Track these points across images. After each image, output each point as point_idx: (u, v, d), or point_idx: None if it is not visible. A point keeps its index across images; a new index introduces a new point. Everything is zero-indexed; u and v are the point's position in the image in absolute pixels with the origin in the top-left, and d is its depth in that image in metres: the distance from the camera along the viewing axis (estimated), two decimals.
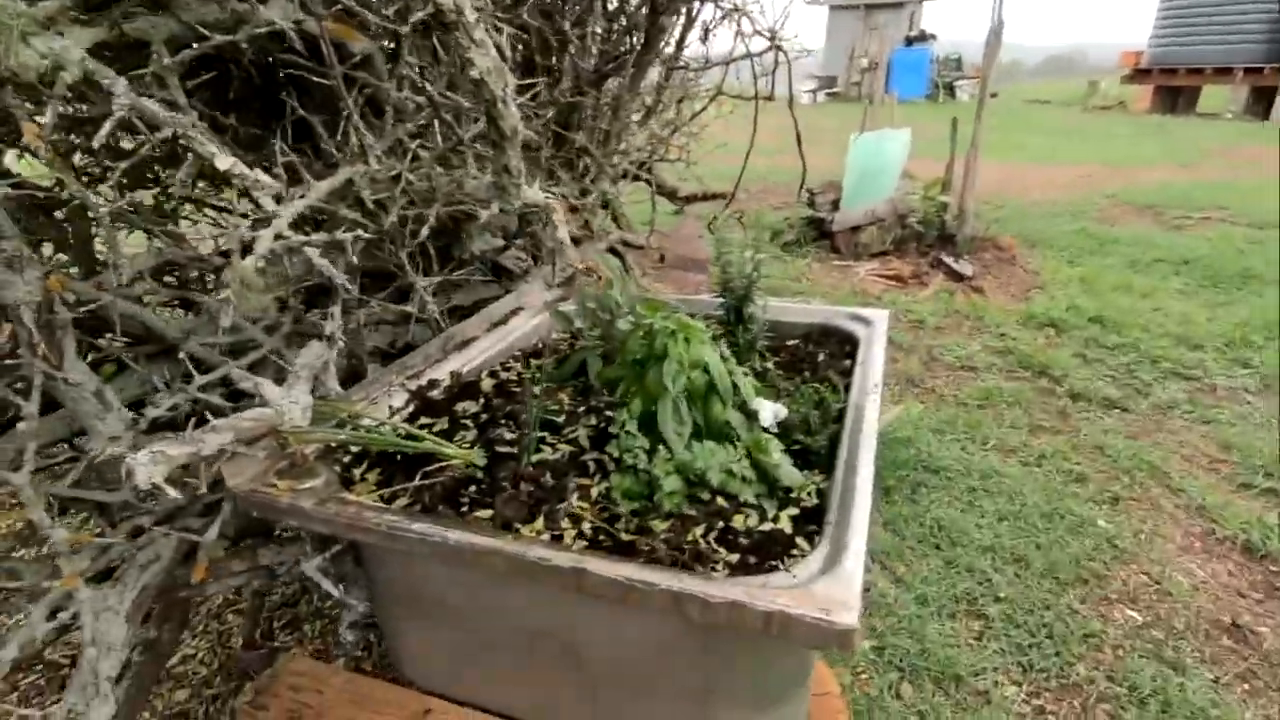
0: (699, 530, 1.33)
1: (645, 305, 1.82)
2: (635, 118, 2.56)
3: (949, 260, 5.48)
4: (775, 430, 1.51)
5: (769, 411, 1.44)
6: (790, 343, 2.16)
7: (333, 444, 1.48)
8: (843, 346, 2.08)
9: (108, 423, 1.22)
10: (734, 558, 1.27)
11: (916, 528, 2.91)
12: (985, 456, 3.37)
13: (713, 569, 1.24)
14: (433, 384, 1.86)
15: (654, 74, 2.87)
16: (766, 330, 1.97)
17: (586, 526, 1.32)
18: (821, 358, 2.02)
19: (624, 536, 1.30)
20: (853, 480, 1.36)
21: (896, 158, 5.98)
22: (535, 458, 1.55)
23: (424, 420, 1.75)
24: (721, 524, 1.35)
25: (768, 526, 1.35)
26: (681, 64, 2.73)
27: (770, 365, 1.97)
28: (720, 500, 1.37)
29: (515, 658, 1.46)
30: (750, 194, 8.60)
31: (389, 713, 1.57)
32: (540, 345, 2.24)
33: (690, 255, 4.12)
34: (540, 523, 1.35)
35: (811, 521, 1.36)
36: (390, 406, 1.74)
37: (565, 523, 1.33)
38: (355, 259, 1.43)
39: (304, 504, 1.35)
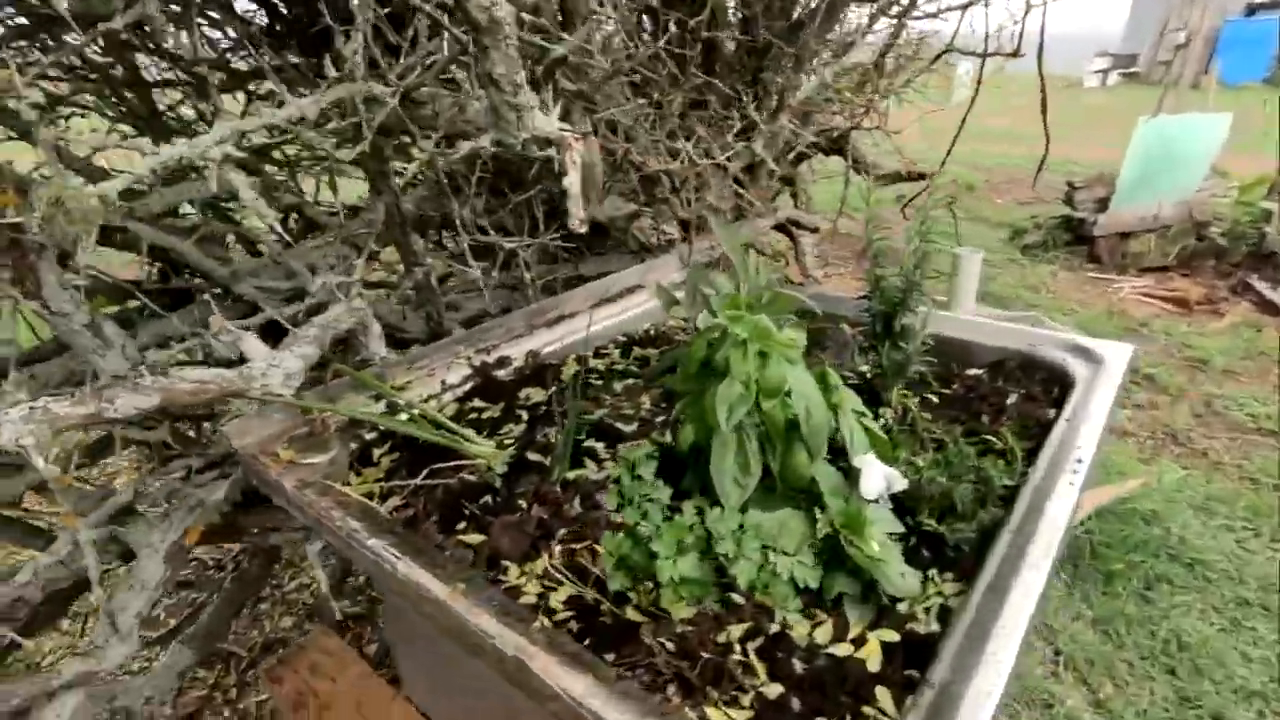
0: (736, 631, 0.91)
1: (753, 300, 1.40)
2: (823, 72, 2.07)
3: (1261, 286, 4.13)
4: (888, 504, 1.02)
5: (876, 476, 0.97)
6: (971, 372, 1.58)
7: (344, 417, 1.28)
8: (1048, 389, 1.46)
9: (108, 359, 1.12)
10: (773, 690, 0.84)
11: (1144, 636, 2.15)
12: (1273, 558, 2.42)
13: (734, 700, 0.83)
14: (502, 362, 1.61)
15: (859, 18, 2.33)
16: (932, 351, 1.43)
17: (589, 585, 0.97)
18: (1011, 400, 1.43)
19: (627, 612, 0.93)
20: (999, 607, 0.85)
21: (1203, 149, 4.61)
22: (570, 473, 1.22)
23: (477, 403, 1.50)
24: (774, 626, 0.92)
25: (843, 649, 0.90)
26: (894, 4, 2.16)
27: (923, 401, 1.44)
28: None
29: (480, 707, 1.16)
30: (991, 184, 7.37)
31: None
32: (652, 331, 1.89)
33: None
34: (542, 562, 1.03)
35: (915, 658, 0.87)
36: (444, 381, 1.52)
37: (558, 568, 0.99)
38: (410, 205, 1.20)
39: (287, 483, 1.16)
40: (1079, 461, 1.10)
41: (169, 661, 1.91)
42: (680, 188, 1.87)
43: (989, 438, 1.25)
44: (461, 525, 1.13)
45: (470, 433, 1.25)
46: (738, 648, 0.91)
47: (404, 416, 1.29)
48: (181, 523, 1.48)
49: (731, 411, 0.94)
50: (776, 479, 1.01)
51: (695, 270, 1.52)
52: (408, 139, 1.38)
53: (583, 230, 0.92)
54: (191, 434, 1.48)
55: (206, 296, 1.30)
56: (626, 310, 1.91)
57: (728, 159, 1.85)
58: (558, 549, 1.02)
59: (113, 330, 1.12)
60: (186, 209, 1.46)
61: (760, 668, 0.88)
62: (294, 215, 1.64)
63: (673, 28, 1.64)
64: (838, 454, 1.05)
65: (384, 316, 1.80)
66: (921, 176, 2.90)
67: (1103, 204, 4.96)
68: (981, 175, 7.61)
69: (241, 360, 1.08)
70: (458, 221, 1.47)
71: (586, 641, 0.91)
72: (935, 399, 1.47)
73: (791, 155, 2.32)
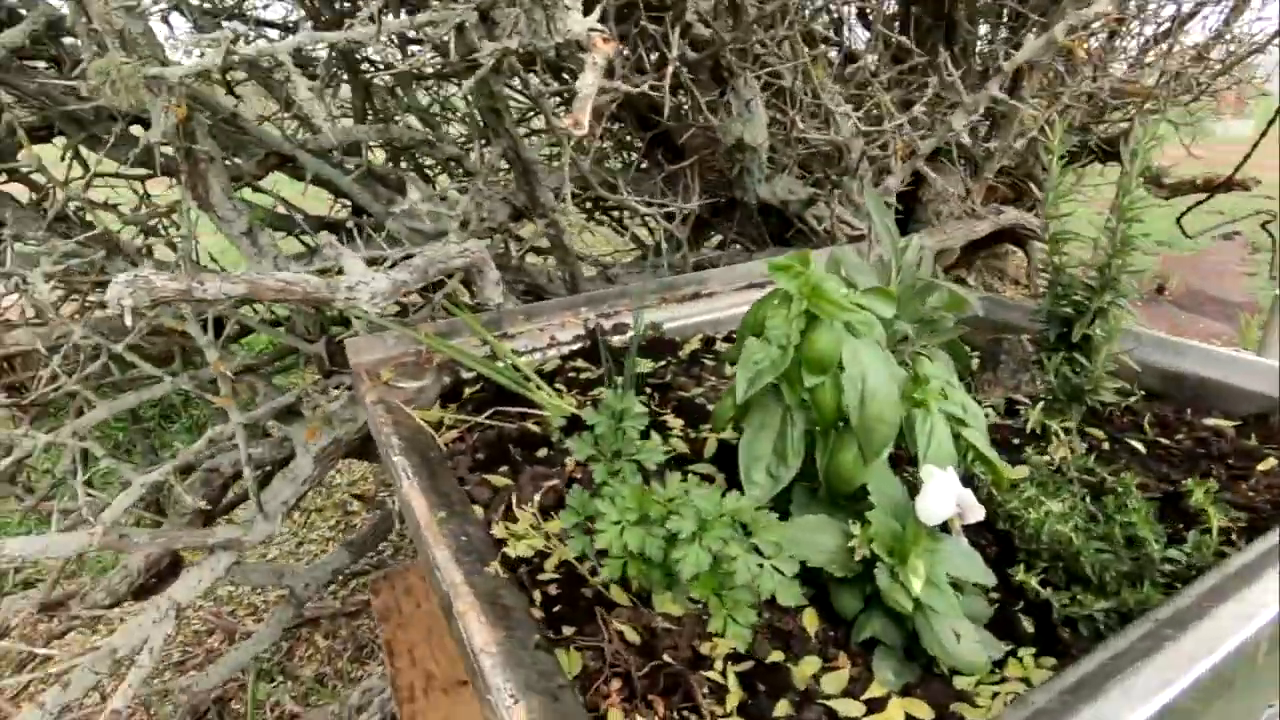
0: (724, 645, 0.74)
1: (905, 292, 1.18)
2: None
3: None
4: (961, 542, 0.75)
5: (941, 494, 0.71)
6: (1214, 422, 1.15)
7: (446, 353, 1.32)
8: None
9: (262, 267, 1.28)
10: None
11: None
12: None
13: None
14: (619, 329, 1.55)
15: None
16: (1162, 387, 1.06)
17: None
18: (1269, 465, 1.01)
19: (613, 592, 0.80)
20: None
21: None
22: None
23: (580, 364, 1.46)
24: (776, 654, 0.73)
25: (850, 708, 0.68)
26: None
27: (1117, 447, 1.07)
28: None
29: None
30: None
31: (441, 660, 1.41)
32: None
33: (1212, 291, 2.78)
34: (558, 523, 0.95)
35: None
36: (554, 338, 1.51)
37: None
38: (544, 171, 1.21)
39: (369, 398, 1.23)
40: None
41: (328, 559, 2.18)
42: (855, 168, 1.65)
43: (1198, 504, 0.88)
44: (503, 468, 1.09)
45: (543, 384, 1.21)
46: (718, 664, 0.74)
47: (482, 357, 1.29)
48: (332, 432, 1.66)
49: (754, 379, 0.76)
50: (822, 479, 0.81)
51: (837, 253, 1.32)
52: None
53: (578, 133, 0.82)
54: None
55: (351, 225, 1.44)
56: None
57: (917, 136, 1.58)
58: None
59: (266, 240, 1.28)
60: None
61: (734, 696, 0.71)
62: (453, 164, 1.77)
63: None
64: (913, 463, 0.81)
65: (534, 277, 1.84)
66: (1229, 187, 2.25)
67: None
68: None
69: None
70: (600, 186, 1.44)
71: (556, 609, 0.81)
72: (1141, 446, 1.09)
73: (1022, 142, 1.92)
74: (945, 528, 0.76)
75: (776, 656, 0.75)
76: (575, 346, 1.52)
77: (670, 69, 1.21)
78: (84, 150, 1.50)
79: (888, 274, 1.36)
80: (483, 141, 1.34)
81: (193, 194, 1.19)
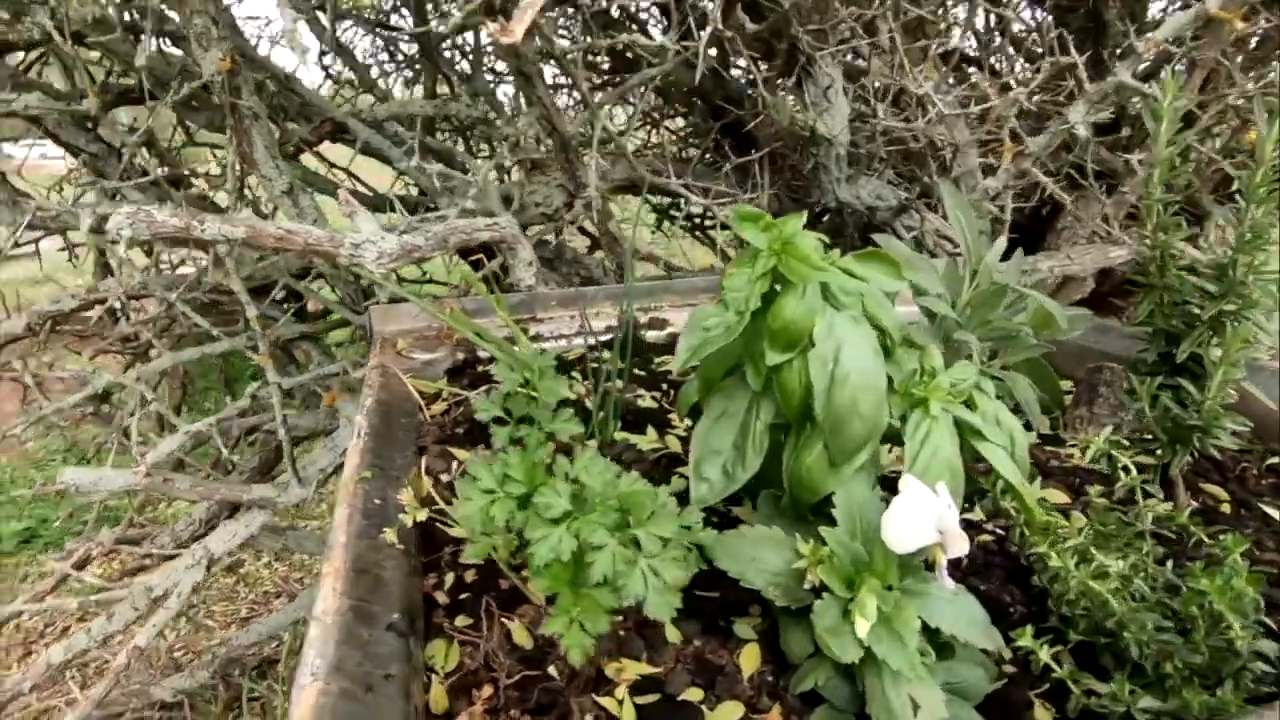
0: (636, 669, 0.60)
1: (975, 300, 1.00)
2: None
3: None
4: (945, 582, 0.56)
5: (915, 514, 0.53)
6: None
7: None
8: None
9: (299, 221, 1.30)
10: None
11: None
12: None
13: None
14: (656, 324, 1.44)
15: None
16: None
17: None
18: None
19: (529, 588, 0.68)
20: None
21: None
22: (625, 436, 1.01)
23: (604, 355, 1.36)
24: (693, 691, 0.59)
25: None
26: None
27: (1240, 512, 0.81)
28: None
29: None
30: None
31: None
32: None
33: None
34: None
35: None
36: (583, 326, 1.42)
37: None
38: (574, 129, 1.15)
39: (372, 361, 1.19)
40: None
41: None
42: (948, 167, 1.44)
43: None
44: (479, 445, 1.01)
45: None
46: (619, 691, 0.60)
47: (500, 338, 1.22)
48: (342, 397, 1.67)
49: (698, 347, 0.62)
50: (790, 478, 0.65)
51: (912, 259, 1.13)
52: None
53: (506, 41, 0.72)
54: None
55: (394, 197, 1.44)
56: None
57: (1024, 130, 1.35)
58: None
59: (306, 201, 1.30)
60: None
61: None
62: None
63: None
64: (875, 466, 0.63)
65: (590, 270, 1.78)
66: None
67: None
68: None
69: None
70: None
71: (463, 596, 0.71)
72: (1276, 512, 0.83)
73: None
74: (929, 565, 0.58)
75: (693, 694, 0.60)
76: (606, 337, 1.42)
77: (713, 33, 1.09)
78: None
79: (959, 280, 1.16)
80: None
81: (237, 149, 1.24)
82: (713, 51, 1.41)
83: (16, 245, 1.85)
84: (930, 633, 0.57)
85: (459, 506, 0.54)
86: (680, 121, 1.92)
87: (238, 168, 1.25)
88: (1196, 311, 0.79)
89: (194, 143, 1.62)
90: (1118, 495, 0.70)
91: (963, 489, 0.61)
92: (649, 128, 2.05)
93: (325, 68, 1.73)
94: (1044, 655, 0.56)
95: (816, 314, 0.61)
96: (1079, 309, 1.30)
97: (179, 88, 1.20)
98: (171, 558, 1.79)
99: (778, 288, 0.64)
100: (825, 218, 1.64)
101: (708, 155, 1.73)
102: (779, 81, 1.49)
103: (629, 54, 1.63)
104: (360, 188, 1.79)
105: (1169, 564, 0.64)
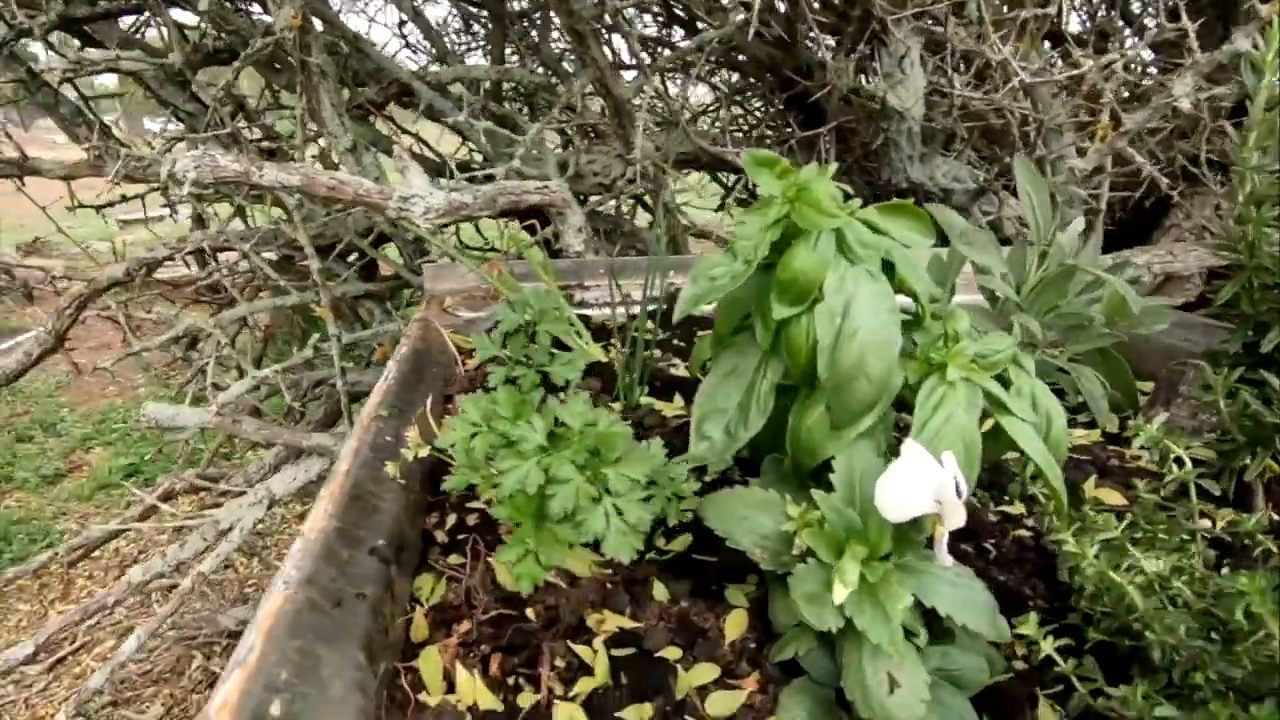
0: (616, 621, 0.59)
1: (1037, 285, 0.94)
2: None
3: None
4: (946, 555, 0.52)
5: (912, 481, 0.48)
6: None
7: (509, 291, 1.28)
8: None
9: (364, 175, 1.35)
10: (565, 713, 0.52)
11: None
12: None
13: (503, 684, 0.53)
14: None
15: None
16: None
17: None
18: None
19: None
20: None
21: None
22: (649, 400, 0.99)
23: (648, 325, 1.34)
24: (672, 650, 0.57)
25: None
26: None
27: None
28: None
29: None
30: None
31: None
32: None
33: None
34: None
35: None
36: (628, 295, 1.40)
37: None
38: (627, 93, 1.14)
39: (415, 315, 1.22)
40: None
41: None
42: (1033, 147, 1.34)
43: None
44: None
45: (585, 333, 1.12)
46: (596, 642, 0.59)
47: (511, 279, 1.22)
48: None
49: (701, 295, 0.59)
50: (788, 448, 0.62)
51: (970, 233, 1.06)
52: None
53: None
54: None
55: (453, 161, 1.47)
56: None
57: (1120, 106, 1.24)
58: None
59: (369, 159, 1.34)
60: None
61: (591, 681, 0.55)
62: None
63: None
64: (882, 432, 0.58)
65: (648, 244, 1.77)
66: None
67: None
68: None
69: None
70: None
71: (461, 536, 0.71)
72: None
73: None
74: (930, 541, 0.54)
75: (671, 652, 0.58)
76: (650, 309, 1.41)
77: None
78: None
79: (1025, 260, 1.08)
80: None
81: (306, 106, 1.29)
82: (781, 9, 1.36)
83: (124, 199, 2.01)
84: (930, 615, 0.53)
85: (444, 437, 0.54)
86: (751, 99, 1.87)
87: (308, 124, 1.31)
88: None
89: (279, 105, 1.71)
90: (1167, 492, 0.62)
91: (979, 465, 0.56)
92: (716, 104, 2.00)
93: (404, 35, 1.79)
94: (1046, 646, 0.50)
95: (828, 266, 0.58)
96: (1163, 301, 1.18)
97: (260, 47, 1.26)
98: (241, 494, 1.91)
99: (793, 241, 0.60)
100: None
101: (771, 130, 1.67)
102: (852, 52, 1.42)
103: (696, 23, 1.59)
104: (427, 153, 1.84)
105: (1225, 571, 0.57)
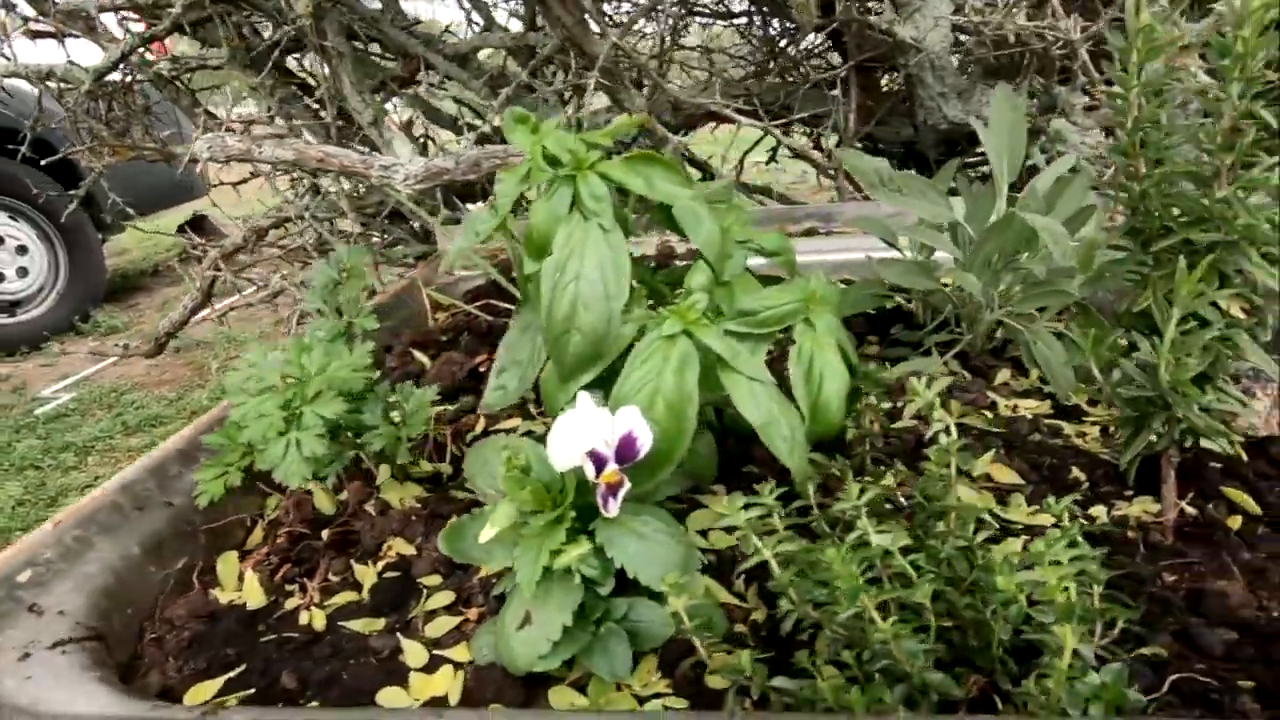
0: (402, 547, 0.66)
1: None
2: None
3: None
4: (611, 506, 0.51)
5: (571, 429, 0.48)
6: None
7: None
8: None
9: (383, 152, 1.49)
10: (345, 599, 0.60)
11: None
12: None
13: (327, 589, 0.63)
14: (665, 250, 1.40)
15: None
16: None
17: None
18: None
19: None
20: None
21: None
22: None
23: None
24: (440, 578, 0.63)
25: (417, 660, 0.55)
26: None
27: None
28: None
29: None
30: None
31: None
32: None
33: None
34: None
35: None
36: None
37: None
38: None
39: (407, 276, 1.34)
40: None
41: None
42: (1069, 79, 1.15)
43: None
44: (451, 352, 1.10)
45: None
46: (378, 565, 0.66)
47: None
48: None
49: (463, 247, 0.62)
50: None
51: (905, 180, 0.96)
52: None
53: None
54: None
55: (466, 129, 1.55)
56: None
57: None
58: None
59: (391, 135, 1.47)
60: None
61: (359, 593, 0.63)
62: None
63: None
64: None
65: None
66: None
67: None
68: None
69: None
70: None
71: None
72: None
73: None
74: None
75: (431, 580, 0.64)
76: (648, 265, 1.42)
77: None
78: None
79: (987, 204, 0.97)
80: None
81: (332, 84, 1.44)
82: None
83: (253, 176, 2.35)
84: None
85: (227, 377, 0.64)
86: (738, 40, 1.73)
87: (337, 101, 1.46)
88: (1170, 241, 0.57)
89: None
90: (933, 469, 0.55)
91: (689, 421, 0.55)
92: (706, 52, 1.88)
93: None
94: (678, 605, 0.49)
95: (560, 220, 0.58)
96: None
97: (280, 36, 1.42)
98: None
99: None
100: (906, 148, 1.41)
101: (784, 75, 1.57)
102: None
103: None
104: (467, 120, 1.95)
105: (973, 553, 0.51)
